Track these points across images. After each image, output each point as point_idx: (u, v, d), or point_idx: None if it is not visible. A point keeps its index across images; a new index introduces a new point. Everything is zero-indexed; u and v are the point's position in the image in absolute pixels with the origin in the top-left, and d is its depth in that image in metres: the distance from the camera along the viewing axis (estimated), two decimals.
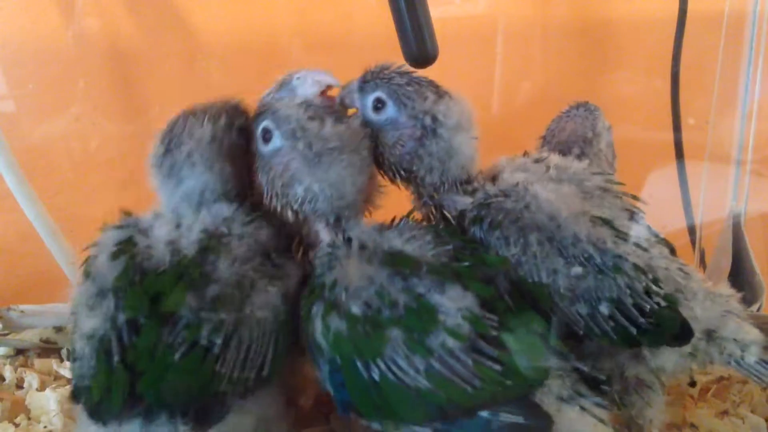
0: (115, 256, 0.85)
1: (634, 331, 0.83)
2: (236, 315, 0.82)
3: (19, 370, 1.25)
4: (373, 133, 0.92)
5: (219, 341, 0.80)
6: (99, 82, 1.56)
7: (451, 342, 0.76)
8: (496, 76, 1.55)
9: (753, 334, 0.92)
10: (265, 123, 0.89)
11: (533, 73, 1.60)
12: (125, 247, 0.86)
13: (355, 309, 0.78)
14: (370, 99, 0.92)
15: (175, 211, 0.91)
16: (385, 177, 0.95)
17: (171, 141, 0.91)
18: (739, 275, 1.29)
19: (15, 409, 1.13)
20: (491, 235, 0.86)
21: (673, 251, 0.94)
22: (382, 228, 0.88)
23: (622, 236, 0.86)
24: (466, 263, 0.82)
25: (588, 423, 0.77)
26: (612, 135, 1.11)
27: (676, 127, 1.35)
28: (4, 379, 1.23)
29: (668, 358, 0.90)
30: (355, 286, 0.80)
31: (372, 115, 0.92)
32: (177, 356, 0.79)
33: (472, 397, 0.75)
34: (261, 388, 0.84)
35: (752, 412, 1.08)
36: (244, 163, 0.94)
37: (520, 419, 0.75)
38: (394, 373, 0.76)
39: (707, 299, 0.91)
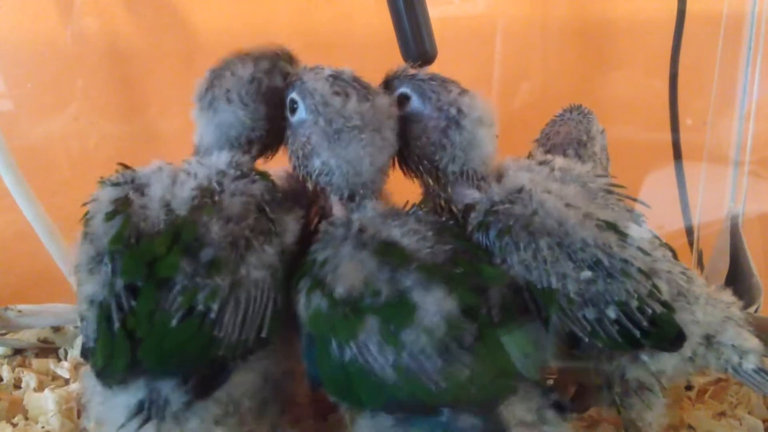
0: (110, 216, 0.85)
1: (637, 333, 0.83)
2: (232, 278, 0.81)
3: (17, 370, 1.25)
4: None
5: (215, 306, 0.80)
6: (98, 81, 1.56)
7: (423, 340, 0.76)
8: (495, 76, 1.55)
9: (753, 342, 0.92)
10: (293, 94, 0.90)
11: (532, 73, 1.60)
12: (120, 207, 0.85)
13: (339, 291, 0.79)
14: (395, 96, 0.93)
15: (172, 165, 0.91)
16: (406, 171, 0.96)
17: (214, 77, 0.94)
18: (737, 277, 1.29)
19: (13, 409, 1.13)
20: (500, 241, 0.85)
21: (673, 255, 0.94)
22: (391, 214, 0.88)
23: (626, 240, 0.86)
24: (460, 269, 0.82)
25: None
26: (606, 139, 1.12)
27: (674, 128, 1.35)
28: (1, 379, 1.23)
29: (668, 361, 0.90)
30: (343, 269, 0.81)
31: (403, 110, 0.92)
32: (174, 322, 0.79)
33: (434, 396, 0.76)
34: (263, 348, 0.84)
35: (749, 413, 1.08)
36: (280, 112, 0.95)
37: (478, 423, 0.76)
38: (364, 359, 0.77)
39: (709, 304, 0.91)
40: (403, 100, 0.93)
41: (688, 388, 1.11)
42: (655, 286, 0.84)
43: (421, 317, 0.77)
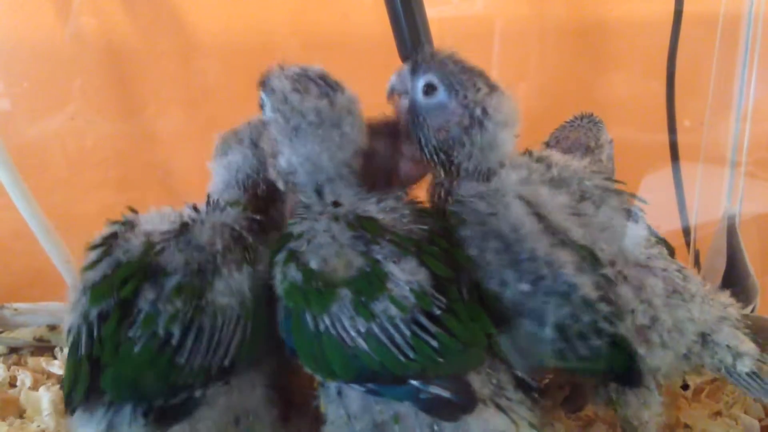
0: (92, 250, 0.87)
1: (574, 360, 0.83)
2: (195, 303, 0.81)
3: (13, 368, 1.25)
4: (417, 115, 0.92)
5: (177, 331, 0.79)
6: (94, 80, 1.56)
7: (393, 311, 0.78)
8: (493, 76, 1.55)
9: (748, 345, 0.93)
10: (261, 94, 0.92)
11: (530, 73, 1.60)
12: (104, 241, 0.87)
13: (313, 263, 0.81)
14: (421, 82, 0.92)
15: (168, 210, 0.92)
16: (421, 157, 0.95)
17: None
18: (734, 277, 1.29)
19: (8, 407, 1.13)
20: (458, 231, 0.87)
21: (672, 253, 0.94)
22: (369, 195, 0.90)
23: (594, 264, 0.84)
24: (435, 247, 0.84)
25: (504, 422, 0.78)
26: (613, 149, 1.12)
27: (671, 129, 1.35)
28: None
29: (664, 358, 0.90)
30: (318, 242, 0.83)
31: (421, 99, 0.92)
32: (136, 348, 0.79)
33: (403, 367, 0.77)
34: (228, 377, 0.84)
35: (745, 413, 1.08)
36: None
37: (447, 394, 0.77)
38: (336, 330, 0.79)
39: (705, 302, 0.91)
40: (429, 89, 0.91)
41: (685, 387, 1.11)
42: (607, 318, 0.83)
43: (390, 288, 0.79)
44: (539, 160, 0.95)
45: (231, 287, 0.84)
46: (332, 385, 0.83)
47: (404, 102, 0.94)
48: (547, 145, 1.12)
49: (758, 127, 1.35)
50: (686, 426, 1.05)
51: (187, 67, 1.56)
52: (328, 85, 0.89)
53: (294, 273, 0.82)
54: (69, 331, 0.83)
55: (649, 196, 1.02)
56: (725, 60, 1.35)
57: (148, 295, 0.81)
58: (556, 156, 0.96)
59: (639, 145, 1.45)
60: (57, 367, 1.25)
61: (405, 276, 0.80)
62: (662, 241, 0.95)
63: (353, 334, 0.78)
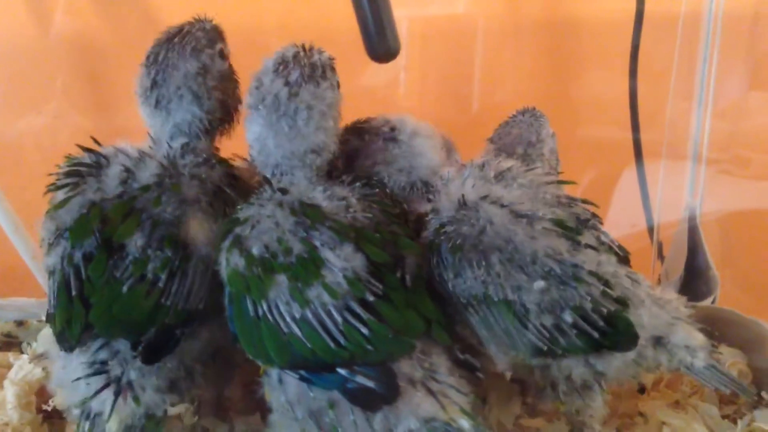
0: (66, 192, 0.90)
1: (596, 335, 0.84)
2: (182, 252, 0.87)
3: None
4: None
5: (164, 276, 0.85)
6: (68, 77, 1.56)
7: (326, 297, 0.79)
8: (476, 74, 1.57)
9: (699, 339, 0.94)
10: None
11: (506, 71, 1.62)
12: (77, 182, 0.90)
13: (255, 249, 0.82)
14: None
15: (134, 147, 0.95)
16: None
17: (157, 73, 0.95)
18: (695, 269, 1.32)
19: None
20: (452, 258, 0.87)
21: (626, 259, 0.95)
22: (323, 183, 0.91)
23: (576, 239, 0.87)
24: (378, 235, 0.85)
25: (433, 406, 0.79)
26: (556, 142, 1.14)
27: (635, 127, 1.37)
28: None
29: (612, 363, 0.91)
30: (260, 228, 0.84)
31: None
32: (124, 289, 0.84)
33: (333, 354, 0.78)
34: (206, 318, 0.89)
35: (703, 401, 1.10)
36: (231, 87, 1.00)
37: (371, 384, 0.79)
38: (273, 317, 0.80)
39: (655, 305, 0.92)
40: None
41: (641, 390, 1.12)
42: (606, 283, 0.86)
43: (324, 274, 0.80)
44: (482, 168, 0.96)
45: (211, 239, 0.88)
46: (274, 373, 0.84)
47: None
48: (491, 140, 1.14)
49: (718, 124, 1.38)
50: (641, 414, 1.07)
51: None
52: (311, 77, 0.89)
53: (237, 259, 0.83)
54: (53, 272, 0.88)
55: (618, 192, 1.04)
56: (686, 58, 1.37)
57: (138, 241, 0.86)
58: (501, 162, 0.98)
59: (611, 141, 1.48)
60: (25, 362, 1.25)
61: (340, 262, 0.81)
62: (616, 247, 0.94)
63: (288, 320, 0.80)
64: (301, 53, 0.90)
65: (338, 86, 0.92)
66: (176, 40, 0.96)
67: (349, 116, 1.01)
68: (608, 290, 0.85)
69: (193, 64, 0.95)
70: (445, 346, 0.84)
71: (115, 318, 0.84)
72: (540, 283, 0.84)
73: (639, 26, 1.34)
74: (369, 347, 0.78)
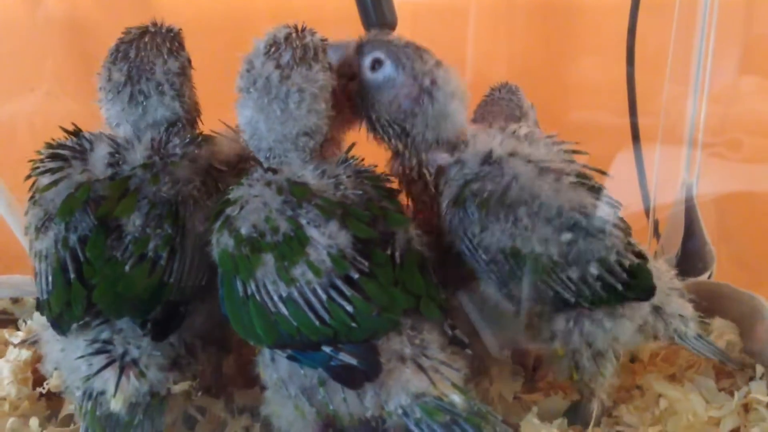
0: (52, 176, 0.90)
1: (620, 286, 0.87)
2: (181, 230, 0.88)
3: None
4: (366, 92, 0.94)
5: (165, 254, 0.86)
6: (60, 57, 1.55)
7: (310, 275, 0.79)
8: (469, 56, 1.57)
9: (690, 309, 0.98)
10: None
11: (504, 53, 1.62)
12: (62, 166, 0.91)
13: (244, 229, 0.82)
14: (368, 59, 0.93)
15: (114, 134, 0.96)
16: (374, 134, 0.96)
17: (131, 70, 0.95)
18: (692, 245, 1.33)
19: None
20: (479, 213, 0.87)
21: (628, 229, 0.97)
22: (316, 163, 0.90)
23: (599, 194, 0.89)
24: (368, 213, 0.85)
25: (424, 382, 0.80)
26: (536, 114, 1.15)
27: (632, 111, 1.38)
28: None
29: (627, 328, 0.93)
30: (249, 208, 0.84)
31: (369, 75, 0.93)
32: (127, 268, 0.84)
33: (317, 331, 0.79)
34: (206, 294, 0.90)
35: (700, 375, 1.11)
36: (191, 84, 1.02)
37: (354, 362, 0.79)
38: (261, 296, 0.80)
39: (655, 277, 0.94)
40: (376, 64, 0.93)
41: (632, 360, 1.15)
42: (629, 235, 0.88)
43: (309, 252, 0.80)
44: (504, 129, 0.97)
45: (206, 216, 0.89)
46: (266, 351, 0.85)
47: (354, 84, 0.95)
48: (474, 121, 1.14)
49: (714, 108, 1.40)
50: (638, 387, 1.08)
51: None
52: (303, 59, 0.88)
53: (226, 239, 0.83)
54: (45, 256, 0.88)
55: (614, 174, 1.05)
56: (682, 42, 1.39)
57: (136, 220, 0.86)
58: (517, 127, 0.98)
59: (607, 124, 1.49)
60: (20, 338, 1.24)
61: (325, 240, 0.81)
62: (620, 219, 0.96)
63: (275, 298, 0.80)
64: (293, 34, 0.89)
65: (330, 68, 0.91)
66: (147, 39, 0.97)
67: None
68: (631, 241, 0.88)
69: (173, 63, 0.97)
70: (437, 323, 0.85)
71: (120, 297, 0.84)
72: (567, 235, 0.85)
73: (636, 10, 1.35)
74: (353, 324, 0.78)
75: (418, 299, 0.83)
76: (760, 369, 1.09)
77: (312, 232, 0.81)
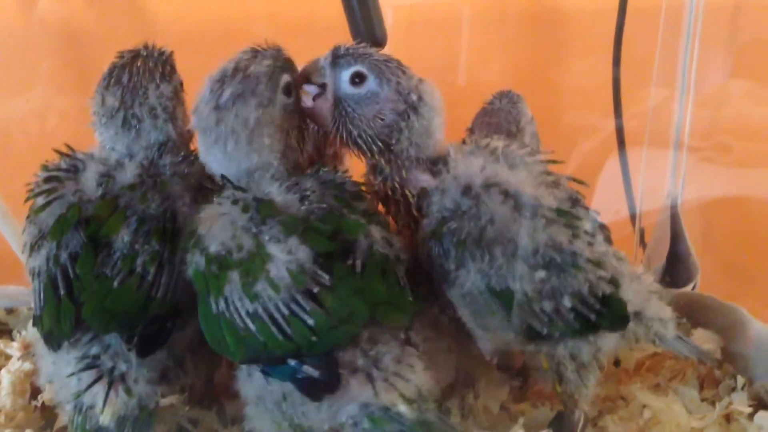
0: (46, 198, 0.92)
1: (593, 317, 0.87)
2: (169, 245, 0.89)
3: None
4: (345, 106, 0.93)
5: (152, 269, 0.88)
6: (55, 64, 1.55)
7: (270, 291, 0.80)
8: (462, 62, 1.57)
9: (668, 311, 0.98)
10: None
11: (493, 59, 1.63)
12: (55, 187, 0.93)
13: (212, 248, 0.83)
14: (347, 73, 0.93)
15: (107, 153, 0.98)
16: (355, 150, 0.96)
17: (124, 94, 0.97)
18: (676, 256, 1.34)
19: None
20: (454, 251, 0.88)
21: (609, 238, 0.97)
22: (284, 177, 0.91)
23: (576, 226, 0.89)
24: (329, 226, 0.85)
25: (370, 394, 0.81)
26: (535, 126, 1.15)
27: (618, 115, 1.38)
28: None
29: (610, 339, 0.95)
30: (217, 226, 0.85)
31: (349, 89, 0.93)
32: (115, 284, 0.87)
33: (281, 345, 0.80)
34: (194, 308, 0.89)
35: (684, 385, 1.12)
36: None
37: (316, 374, 0.81)
38: (230, 312, 0.82)
39: (634, 281, 0.95)
40: (357, 78, 0.92)
41: (616, 363, 1.16)
42: (601, 265, 0.88)
43: (269, 268, 0.81)
44: (484, 147, 0.96)
45: None
46: (243, 367, 0.87)
47: (324, 100, 0.94)
48: (471, 130, 1.15)
49: (700, 113, 1.40)
50: (622, 398, 1.09)
51: None
52: (240, 96, 0.88)
53: (197, 258, 0.84)
54: (38, 273, 0.91)
55: (599, 179, 1.06)
56: (668, 46, 1.39)
57: (125, 237, 0.89)
58: (497, 142, 0.97)
59: (595, 129, 1.50)
60: (15, 349, 1.25)
61: (284, 256, 0.81)
62: (601, 226, 0.97)
63: (243, 314, 0.81)
64: (240, 65, 0.90)
65: (288, 90, 0.91)
66: (139, 63, 0.99)
67: None
68: (603, 273, 0.88)
69: (166, 87, 0.98)
70: (396, 333, 0.85)
71: (107, 313, 0.86)
72: (541, 273, 0.86)
73: (622, 14, 1.35)
74: (313, 338, 0.80)
75: (375, 306, 0.83)
76: (741, 380, 1.11)
77: (272, 248, 0.82)
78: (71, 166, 0.96)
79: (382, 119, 0.92)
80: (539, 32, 1.59)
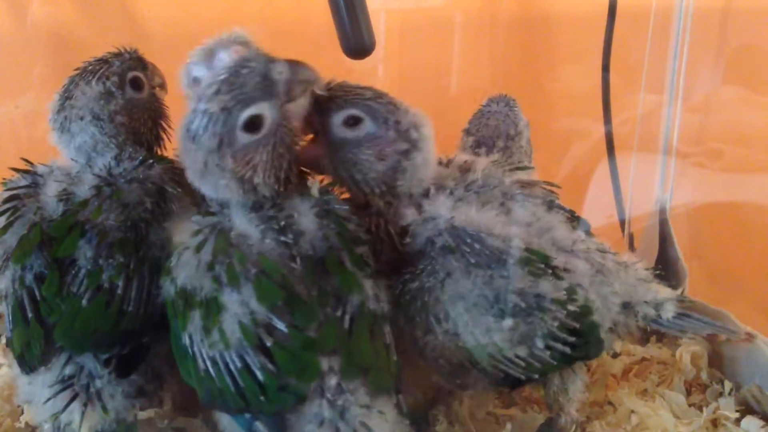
0: (8, 217, 0.90)
1: (568, 350, 0.87)
2: (135, 256, 0.87)
3: None
4: (344, 151, 0.88)
5: (121, 282, 0.85)
6: (45, 69, 1.55)
7: (221, 344, 0.76)
8: (453, 67, 1.58)
9: (665, 292, 0.97)
10: None
11: (488, 65, 1.63)
12: (16, 206, 0.91)
13: (179, 281, 0.80)
14: (340, 117, 0.88)
15: (68, 164, 0.96)
16: (355, 192, 0.91)
17: (65, 98, 0.96)
18: (665, 261, 1.34)
19: None
20: (419, 317, 0.86)
21: (588, 230, 0.96)
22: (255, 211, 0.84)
23: (545, 264, 0.87)
24: (282, 269, 0.79)
25: None
26: (530, 130, 1.16)
27: (607, 120, 1.39)
28: None
29: None
30: (183, 258, 0.81)
31: (344, 132, 0.88)
32: (84, 302, 0.84)
33: (234, 398, 0.77)
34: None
35: (671, 390, 1.12)
36: (144, 113, 1.00)
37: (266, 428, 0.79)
38: (193, 351, 0.78)
39: (622, 270, 0.95)
40: (351, 121, 0.88)
41: (615, 356, 1.18)
42: (571, 295, 0.87)
43: (221, 320, 0.77)
44: (464, 171, 0.95)
45: (162, 239, 0.88)
46: None
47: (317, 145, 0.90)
48: (468, 132, 1.15)
49: (688, 118, 1.41)
50: (610, 403, 1.09)
51: None
52: (194, 138, 0.80)
53: (168, 286, 0.81)
54: (5, 296, 0.88)
55: (589, 184, 1.06)
56: (658, 52, 1.40)
57: (87, 252, 0.86)
58: (481, 162, 0.96)
59: (583, 134, 1.50)
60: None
61: (237, 307, 0.77)
62: (576, 219, 0.96)
63: (204, 356, 0.78)
64: (222, 87, 0.80)
65: (252, 127, 0.80)
66: (89, 68, 0.98)
67: None
68: (572, 309, 0.87)
69: (95, 88, 0.95)
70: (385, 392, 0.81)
71: (79, 332, 0.84)
72: (508, 322, 0.85)
73: (612, 20, 1.36)
74: (262, 398, 0.76)
75: (363, 371, 0.79)
76: (728, 385, 1.11)
77: (226, 297, 0.78)
78: (32, 182, 0.93)
79: (383, 160, 0.88)
80: (530, 38, 1.59)
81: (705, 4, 1.38)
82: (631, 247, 1.45)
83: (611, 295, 0.91)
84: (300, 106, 0.85)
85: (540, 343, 0.86)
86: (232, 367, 0.76)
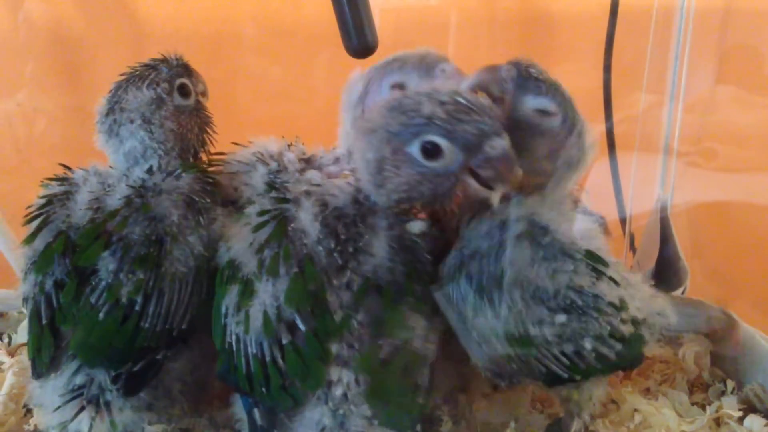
0: (39, 223, 0.92)
1: (613, 357, 0.87)
2: (156, 272, 0.86)
3: None
4: (525, 133, 0.87)
5: (140, 299, 0.85)
6: (43, 67, 1.55)
7: (242, 328, 0.80)
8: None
9: (661, 300, 0.97)
10: None
11: (486, 63, 1.63)
12: (42, 211, 0.92)
13: (233, 251, 0.84)
14: (535, 102, 0.88)
15: (106, 171, 0.96)
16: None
17: (114, 102, 0.96)
18: (666, 260, 1.35)
19: None
20: (472, 295, 0.84)
21: (605, 228, 0.97)
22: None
23: (600, 269, 0.87)
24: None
25: None
26: None
27: (608, 119, 1.39)
28: None
29: None
30: (243, 233, 0.84)
31: (534, 119, 0.88)
32: (101, 315, 0.84)
33: (243, 380, 0.79)
34: (189, 336, 0.89)
35: (673, 389, 1.14)
36: (191, 119, 1.00)
37: (260, 421, 0.81)
38: (224, 323, 0.82)
39: (637, 289, 0.94)
40: (543, 114, 0.88)
41: None
42: (623, 306, 0.87)
43: (252, 304, 0.79)
44: None
45: (187, 253, 0.88)
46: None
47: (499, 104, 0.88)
48: None
49: (690, 118, 1.41)
50: (613, 402, 1.10)
51: (137, 55, 1.55)
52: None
53: (224, 251, 0.84)
54: (26, 300, 0.90)
55: (589, 182, 1.06)
56: (659, 52, 1.40)
57: (109, 265, 0.86)
58: None
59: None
60: (3, 353, 1.25)
61: (267, 298, 0.79)
62: (602, 223, 0.97)
63: (231, 330, 0.80)
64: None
65: (430, 153, 0.79)
66: (137, 73, 0.98)
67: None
68: (625, 315, 0.87)
69: (146, 94, 0.96)
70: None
71: (94, 346, 0.85)
72: (561, 317, 0.84)
73: (613, 20, 1.36)
74: (263, 390, 0.78)
75: (383, 402, 0.80)
76: (731, 384, 1.12)
77: (258, 285, 0.80)
78: (66, 188, 0.94)
79: (557, 153, 0.89)
80: (529, 37, 1.59)
81: (706, 5, 1.38)
82: (632, 246, 1.45)
83: (635, 310, 0.90)
84: (475, 190, 0.82)
85: (588, 344, 0.85)
86: (249, 350, 0.79)
